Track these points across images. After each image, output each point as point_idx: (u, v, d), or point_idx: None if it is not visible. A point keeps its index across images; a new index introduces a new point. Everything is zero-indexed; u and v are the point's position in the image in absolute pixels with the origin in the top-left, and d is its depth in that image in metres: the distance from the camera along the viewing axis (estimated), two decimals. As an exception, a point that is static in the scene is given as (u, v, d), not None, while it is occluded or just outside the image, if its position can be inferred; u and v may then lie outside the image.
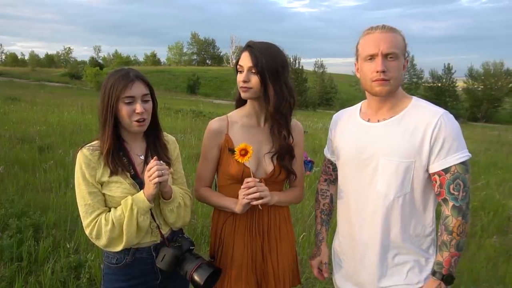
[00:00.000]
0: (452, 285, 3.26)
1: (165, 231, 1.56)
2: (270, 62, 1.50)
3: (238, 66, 1.55)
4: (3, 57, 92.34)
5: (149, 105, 1.48)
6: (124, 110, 1.42)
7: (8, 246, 2.97)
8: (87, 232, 1.43)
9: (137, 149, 1.54)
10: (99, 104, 1.46)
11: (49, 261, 2.88)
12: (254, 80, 1.51)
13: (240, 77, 1.53)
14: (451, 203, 1.30)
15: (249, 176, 1.51)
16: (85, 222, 1.43)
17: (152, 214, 1.51)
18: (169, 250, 1.47)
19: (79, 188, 1.43)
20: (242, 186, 1.49)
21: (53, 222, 3.59)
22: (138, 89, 1.43)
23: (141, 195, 1.41)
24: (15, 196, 4.15)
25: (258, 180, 1.51)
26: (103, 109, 1.44)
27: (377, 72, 1.33)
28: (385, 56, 1.33)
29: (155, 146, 1.57)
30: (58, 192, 4.49)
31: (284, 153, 1.59)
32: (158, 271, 1.54)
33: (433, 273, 1.36)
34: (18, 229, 3.30)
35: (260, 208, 1.54)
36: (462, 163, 1.30)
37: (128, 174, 1.46)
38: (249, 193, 1.47)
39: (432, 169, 1.33)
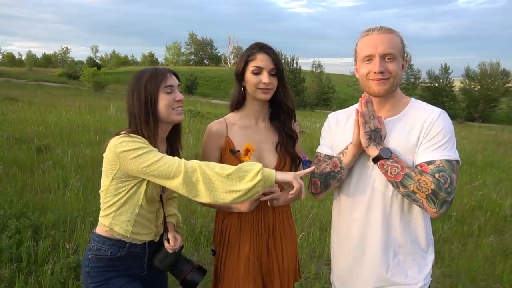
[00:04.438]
0: (450, 284, 3.28)
1: (161, 232, 1.61)
2: (281, 63, 1.62)
3: (253, 68, 1.57)
4: (0, 57, 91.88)
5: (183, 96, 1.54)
6: (165, 99, 1.46)
7: (8, 247, 2.97)
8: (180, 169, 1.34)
9: (160, 150, 1.52)
10: (133, 102, 1.47)
11: (49, 262, 2.88)
12: (275, 81, 1.59)
13: (260, 79, 1.56)
14: (435, 182, 1.24)
15: None
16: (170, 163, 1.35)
17: (164, 217, 1.59)
18: (171, 254, 1.55)
19: (135, 151, 1.36)
20: None
21: (52, 223, 3.59)
22: (174, 80, 1.51)
23: (272, 171, 1.35)
24: (13, 197, 4.14)
25: None
26: (144, 104, 1.45)
27: (375, 73, 1.35)
28: (383, 57, 1.35)
29: (174, 149, 1.60)
30: (56, 192, 4.49)
31: (288, 141, 1.68)
32: (145, 266, 1.56)
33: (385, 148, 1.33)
34: (17, 230, 3.30)
35: (270, 204, 1.57)
36: (448, 161, 1.28)
37: None
38: None
39: (417, 161, 1.33)
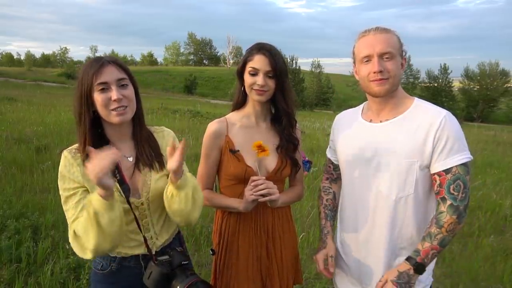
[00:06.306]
0: (451, 284, 3.26)
1: (161, 242, 1.43)
2: (283, 65, 1.56)
3: (250, 69, 1.55)
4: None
5: (129, 91, 1.30)
6: (99, 99, 1.25)
7: (7, 248, 2.96)
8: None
9: (125, 150, 1.38)
10: (73, 100, 1.29)
11: (48, 262, 2.87)
12: (271, 83, 1.55)
13: (255, 80, 1.54)
14: (449, 202, 1.31)
15: (252, 175, 1.52)
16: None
17: (138, 226, 1.32)
18: (156, 267, 1.30)
19: (61, 196, 1.28)
20: (251, 184, 1.49)
21: (51, 223, 3.58)
22: (111, 73, 1.26)
23: (95, 194, 1.18)
24: (12, 197, 4.14)
25: (264, 178, 1.52)
26: (77, 103, 1.27)
27: (374, 72, 1.35)
28: (381, 56, 1.35)
29: (143, 145, 1.39)
30: (56, 193, 4.47)
31: (288, 144, 1.64)
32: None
33: (408, 258, 1.35)
34: (17, 230, 3.30)
35: (269, 204, 1.55)
36: (463, 164, 1.31)
37: (116, 180, 1.26)
38: (258, 189, 1.47)
39: (434, 169, 1.34)
